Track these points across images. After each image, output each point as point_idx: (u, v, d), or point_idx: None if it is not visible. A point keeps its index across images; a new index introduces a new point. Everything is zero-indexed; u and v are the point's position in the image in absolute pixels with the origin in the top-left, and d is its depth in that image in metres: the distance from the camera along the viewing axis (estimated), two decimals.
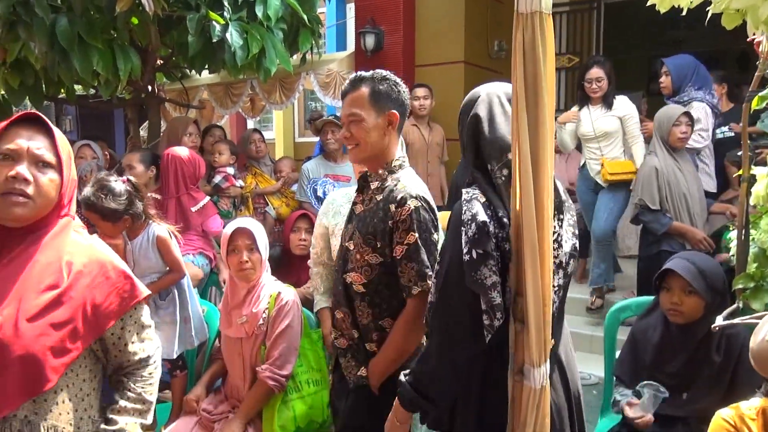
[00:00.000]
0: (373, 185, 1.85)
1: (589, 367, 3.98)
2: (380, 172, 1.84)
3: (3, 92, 3.92)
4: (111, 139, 8.88)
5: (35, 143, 1.28)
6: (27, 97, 3.83)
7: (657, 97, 8.30)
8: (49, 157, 1.29)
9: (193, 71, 5.09)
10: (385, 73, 1.86)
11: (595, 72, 4.12)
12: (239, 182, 4.23)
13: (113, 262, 1.38)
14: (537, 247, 1.26)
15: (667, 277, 2.11)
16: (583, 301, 4.48)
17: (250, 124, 7.93)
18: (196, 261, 3.34)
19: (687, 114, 3.59)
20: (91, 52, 3.24)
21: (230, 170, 4.19)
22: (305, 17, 4.08)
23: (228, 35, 3.48)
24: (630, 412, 2.04)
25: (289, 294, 2.38)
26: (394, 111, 1.82)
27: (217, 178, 4.09)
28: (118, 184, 2.49)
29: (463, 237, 1.35)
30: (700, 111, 3.87)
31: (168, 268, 2.64)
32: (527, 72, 1.26)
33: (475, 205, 1.38)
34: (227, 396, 2.46)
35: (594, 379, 3.86)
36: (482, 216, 1.35)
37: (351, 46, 6.50)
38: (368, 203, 1.84)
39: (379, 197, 1.80)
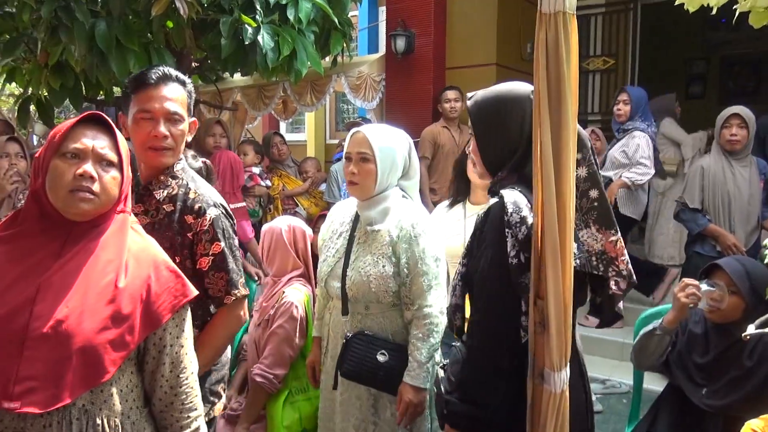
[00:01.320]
0: (158, 194, 1.73)
1: (619, 375, 3.90)
2: (162, 178, 1.73)
3: (45, 94, 4.06)
4: None
5: (99, 142, 1.33)
6: (67, 99, 3.96)
7: (695, 100, 8.12)
8: (112, 156, 1.34)
9: (227, 73, 5.19)
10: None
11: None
12: (266, 182, 4.29)
13: (166, 261, 1.43)
14: (558, 250, 1.24)
15: (712, 273, 2.08)
16: None
17: (282, 125, 8.04)
18: None
19: (738, 116, 3.50)
20: (128, 55, 3.33)
21: (256, 170, 4.26)
22: (336, 20, 4.11)
23: (260, 38, 3.54)
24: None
25: (294, 296, 2.38)
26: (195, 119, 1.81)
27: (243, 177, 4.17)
28: (196, 160, 2.61)
29: (510, 240, 1.35)
30: (642, 140, 4.10)
31: None
32: (550, 73, 1.25)
33: (524, 208, 1.37)
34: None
35: (624, 387, 3.78)
36: (531, 219, 1.35)
37: (383, 48, 6.53)
38: (155, 214, 1.72)
39: (169, 207, 1.71)
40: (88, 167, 1.30)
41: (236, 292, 1.72)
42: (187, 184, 1.73)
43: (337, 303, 2.06)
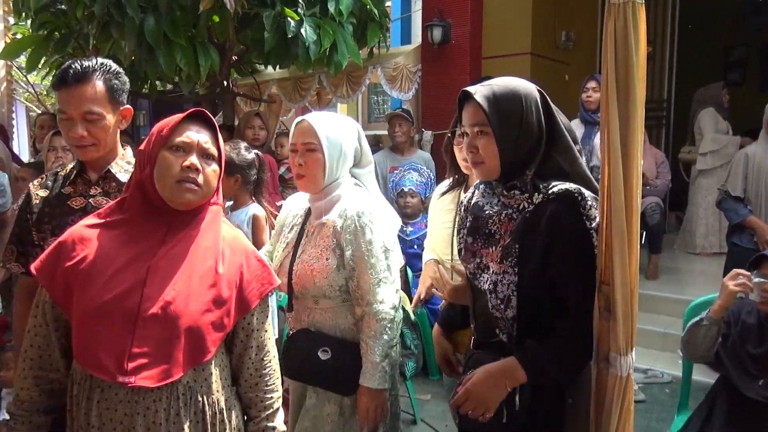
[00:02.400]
0: (121, 177, 1.81)
1: (662, 365, 3.88)
2: (120, 163, 1.82)
3: None
4: None
5: (203, 137, 1.41)
6: None
7: (734, 87, 7.94)
8: (213, 150, 1.42)
9: (263, 66, 5.26)
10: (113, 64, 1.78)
11: None
12: None
13: (254, 251, 1.52)
14: (626, 236, 1.27)
15: (761, 264, 2.07)
16: (655, 298, 4.36)
17: None
18: None
19: None
20: (175, 49, 3.42)
21: None
22: (376, 11, 4.14)
23: (303, 31, 3.59)
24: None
25: None
26: (128, 107, 1.81)
27: (282, 169, 4.24)
28: (249, 151, 2.71)
29: (592, 232, 1.38)
30: None
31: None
32: (618, 62, 1.27)
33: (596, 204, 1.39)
34: None
35: (667, 377, 3.76)
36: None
37: (416, 39, 6.52)
38: (117, 195, 1.83)
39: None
40: (194, 159, 1.37)
41: None
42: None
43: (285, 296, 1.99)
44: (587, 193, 1.39)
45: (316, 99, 6.37)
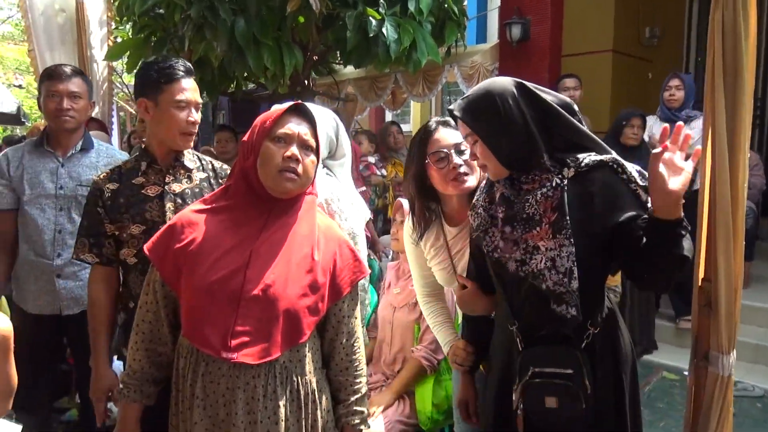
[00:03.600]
0: (190, 164, 1.93)
1: (753, 378, 3.67)
2: (186, 153, 1.93)
3: None
4: None
5: (303, 129, 1.48)
6: (205, 92, 4.29)
7: None
8: (312, 141, 1.48)
9: (340, 66, 5.39)
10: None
11: None
12: (381, 171, 4.44)
13: (346, 240, 1.59)
14: (731, 229, 1.23)
15: None
16: (747, 307, 4.11)
17: (388, 116, 8.20)
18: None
19: None
20: (263, 50, 3.57)
21: (371, 159, 4.40)
22: (455, 9, 4.15)
23: (384, 30, 3.65)
24: None
25: None
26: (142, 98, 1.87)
27: (360, 167, 4.33)
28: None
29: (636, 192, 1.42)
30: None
31: None
32: (726, 52, 1.23)
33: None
34: (383, 365, 2.61)
35: (758, 391, 3.55)
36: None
37: (491, 37, 6.47)
38: (188, 181, 1.92)
39: (202, 174, 1.95)
40: (295, 150, 1.44)
41: None
42: (204, 158, 1.99)
43: None
44: (619, 159, 1.43)
45: (391, 98, 6.45)
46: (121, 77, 6.62)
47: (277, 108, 1.51)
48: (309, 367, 1.48)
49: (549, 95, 1.47)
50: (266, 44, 3.54)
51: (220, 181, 1.91)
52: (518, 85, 1.45)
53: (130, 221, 1.82)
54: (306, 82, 4.74)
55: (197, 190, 1.89)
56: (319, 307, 1.46)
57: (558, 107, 1.44)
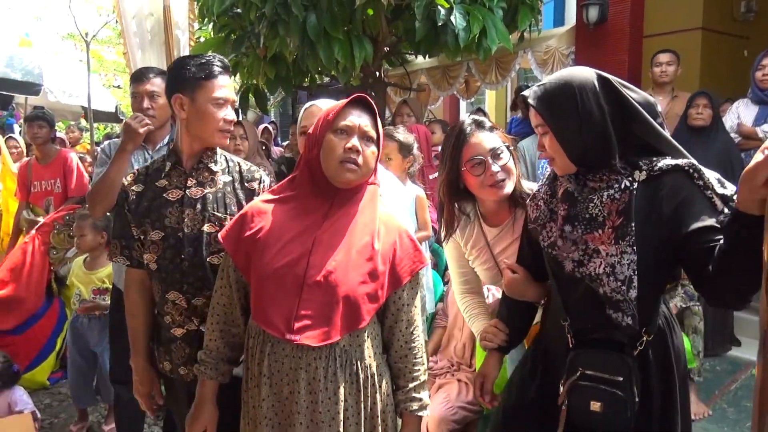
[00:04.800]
0: (214, 167, 1.82)
1: None
2: (210, 154, 1.83)
3: (262, 83, 4.61)
4: None
5: (363, 120, 1.52)
6: (280, 87, 4.45)
7: None
8: (372, 133, 1.53)
9: (415, 56, 5.41)
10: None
11: None
12: None
13: (407, 231, 1.62)
14: None
15: None
16: None
17: (462, 105, 8.13)
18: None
19: None
20: (334, 44, 3.66)
21: None
22: None
23: (452, 18, 3.64)
24: None
25: None
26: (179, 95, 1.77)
27: (432, 156, 4.34)
28: (410, 136, 2.92)
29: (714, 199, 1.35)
30: None
31: (417, 228, 2.89)
32: None
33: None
34: (452, 352, 2.65)
35: None
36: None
37: (569, 20, 6.25)
38: (211, 185, 1.81)
39: (226, 178, 1.83)
40: (355, 142, 1.49)
41: None
42: (231, 158, 1.89)
43: None
44: (698, 164, 1.35)
45: (464, 87, 6.40)
46: None
47: (341, 101, 1.57)
48: (368, 351, 1.53)
49: (632, 92, 1.40)
50: (336, 38, 3.63)
51: (246, 185, 1.83)
52: (600, 78, 1.39)
53: (150, 226, 1.78)
54: (377, 73, 4.80)
55: (219, 195, 1.80)
56: (379, 294, 1.51)
57: (639, 106, 1.38)
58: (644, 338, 1.44)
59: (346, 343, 1.49)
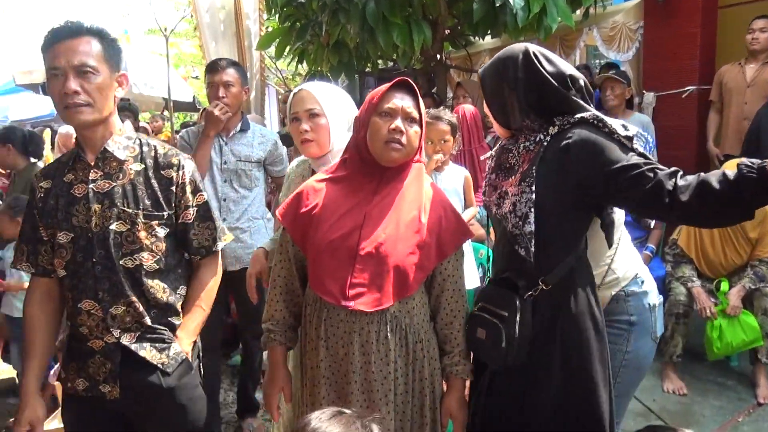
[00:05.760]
0: (121, 154, 1.63)
1: None
2: (117, 139, 1.64)
3: (326, 70, 4.77)
4: None
5: (406, 103, 1.63)
6: (343, 73, 4.59)
7: None
8: (415, 114, 1.64)
9: (477, 38, 5.39)
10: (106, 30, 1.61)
11: None
12: None
13: (451, 206, 1.73)
14: None
15: None
16: None
17: None
18: (480, 211, 3.66)
19: None
20: (392, 28, 3.74)
21: None
22: None
23: None
24: None
25: None
26: (124, 73, 1.64)
27: (487, 138, 4.34)
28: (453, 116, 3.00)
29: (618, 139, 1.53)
30: None
31: (464, 208, 2.98)
32: None
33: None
34: None
35: None
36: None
37: None
38: (120, 177, 1.62)
39: (138, 166, 1.64)
40: (399, 123, 1.60)
41: (224, 237, 1.81)
42: (148, 141, 1.69)
43: None
44: (604, 116, 1.54)
45: None
46: (275, 64, 7.24)
47: (384, 85, 1.68)
48: (417, 318, 1.64)
49: (551, 66, 1.59)
50: (395, 23, 3.71)
51: (161, 172, 1.65)
52: (525, 54, 1.60)
53: (58, 227, 1.60)
54: (438, 56, 4.85)
55: (129, 187, 1.61)
56: (426, 264, 1.62)
57: (550, 78, 1.57)
58: (540, 286, 1.58)
59: (396, 309, 1.60)
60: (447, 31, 5.00)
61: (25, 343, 1.69)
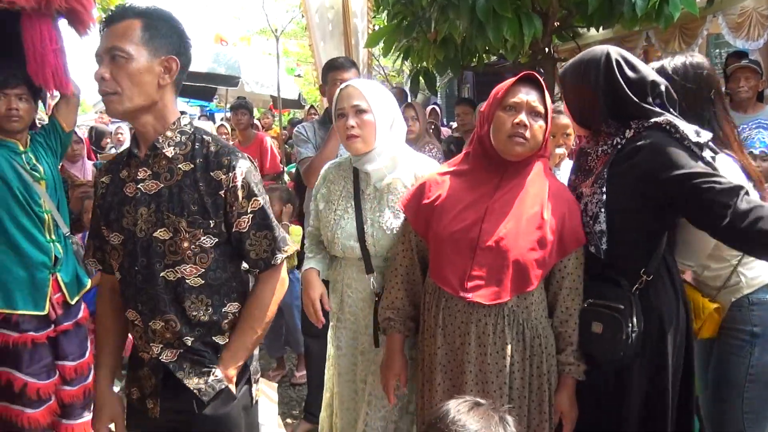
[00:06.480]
0: (169, 152, 1.44)
1: None
2: (170, 134, 1.45)
3: (431, 66, 4.79)
4: None
5: (531, 97, 1.63)
6: (449, 68, 4.60)
7: None
8: (540, 108, 1.64)
9: (585, 30, 5.19)
10: (163, 10, 1.44)
11: None
12: None
13: (576, 203, 1.70)
14: None
15: None
16: None
17: None
18: None
19: None
20: (502, 22, 3.69)
21: None
22: None
23: None
24: None
25: None
26: (173, 57, 1.42)
27: None
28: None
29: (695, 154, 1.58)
30: None
31: None
32: None
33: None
34: None
35: None
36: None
37: None
38: (168, 177, 1.44)
39: (187, 166, 1.44)
40: (523, 117, 1.60)
41: (286, 249, 1.53)
42: (202, 138, 1.48)
43: (352, 262, 1.97)
44: (678, 121, 1.58)
45: (643, 57, 6.00)
46: (378, 60, 7.39)
47: (510, 79, 1.68)
48: (535, 313, 1.64)
49: (632, 71, 1.63)
50: (505, 16, 3.66)
51: (210, 174, 1.43)
52: (606, 58, 1.64)
53: (110, 227, 1.50)
54: (546, 49, 4.72)
55: (176, 190, 1.43)
56: (546, 261, 1.61)
57: (627, 86, 1.62)
58: (643, 278, 1.61)
59: (514, 304, 1.61)
60: (557, 24, 4.86)
61: (96, 339, 1.64)
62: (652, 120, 1.59)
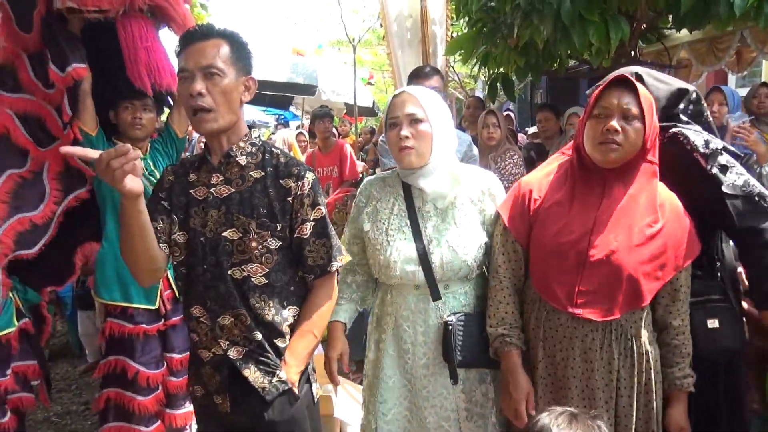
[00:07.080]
0: (242, 161, 1.55)
1: None
2: (242, 144, 1.57)
3: (510, 72, 4.75)
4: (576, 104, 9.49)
5: (623, 99, 1.55)
6: (529, 74, 4.54)
7: None
8: (635, 110, 1.54)
9: (671, 31, 4.99)
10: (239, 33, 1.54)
11: None
12: None
13: (686, 213, 1.61)
14: None
15: None
16: None
17: (731, 79, 7.21)
18: None
19: None
20: (588, 26, 3.61)
21: None
22: None
23: None
24: None
25: None
26: (252, 77, 1.57)
27: None
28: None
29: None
30: None
31: None
32: None
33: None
34: None
35: None
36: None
37: None
38: (239, 183, 1.54)
39: (258, 173, 1.55)
40: (613, 123, 1.53)
41: (341, 258, 1.61)
42: (271, 150, 1.60)
43: (408, 290, 1.77)
44: (689, 132, 1.69)
45: (735, 59, 5.69)
46: (452, 67, 7.39)
47: (599, 83, 1.64)
48: (644, 329, 1.58)
49: (661, 83, 1.76)
50: (591, 20, 3.58)
51: (280, 181, 1.54)
52: (637, 78, 1.70)
53: (174, 224, 1.59)
54: (632, 52, 4.57)
55: (247, 194, 1.53)
56: (660, 275, 1.54)
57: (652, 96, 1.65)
58: (717, 264, 1.75)
59: (623, 318, 1.56)
60: (644, 26, 4.70)
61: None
62: (672, 131, 1.70)
